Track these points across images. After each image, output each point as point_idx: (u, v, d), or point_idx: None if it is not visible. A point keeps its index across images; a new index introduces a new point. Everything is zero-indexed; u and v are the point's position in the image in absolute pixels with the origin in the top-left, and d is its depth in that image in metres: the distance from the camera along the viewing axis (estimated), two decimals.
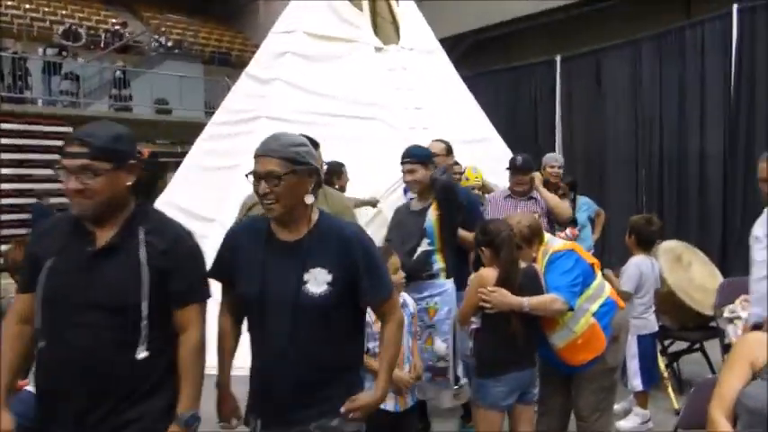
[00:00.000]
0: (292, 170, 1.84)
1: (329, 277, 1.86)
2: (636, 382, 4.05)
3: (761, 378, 2.03)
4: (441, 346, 3.22)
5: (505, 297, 2.66)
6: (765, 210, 2.99)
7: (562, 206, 4.22)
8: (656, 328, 4.16)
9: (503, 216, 3.85)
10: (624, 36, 9.12)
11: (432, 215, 3.36)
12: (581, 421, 2.99)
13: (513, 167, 4.30)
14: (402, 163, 3.45)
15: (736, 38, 7.45)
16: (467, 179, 4.85)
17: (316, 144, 2.65)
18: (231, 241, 2.03)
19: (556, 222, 4.39)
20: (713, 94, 7.75)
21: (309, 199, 1.89)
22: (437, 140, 4.46)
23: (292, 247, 1.91)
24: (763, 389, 1.99)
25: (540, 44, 11.53)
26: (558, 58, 9.68)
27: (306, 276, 1.86)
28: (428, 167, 3.42)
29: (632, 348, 4.02)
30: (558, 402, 3.06)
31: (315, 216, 1.96)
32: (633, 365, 4.05)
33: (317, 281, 1.85)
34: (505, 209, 4.17)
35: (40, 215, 12.16)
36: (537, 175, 4.31)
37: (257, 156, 1.87)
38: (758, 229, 3.02)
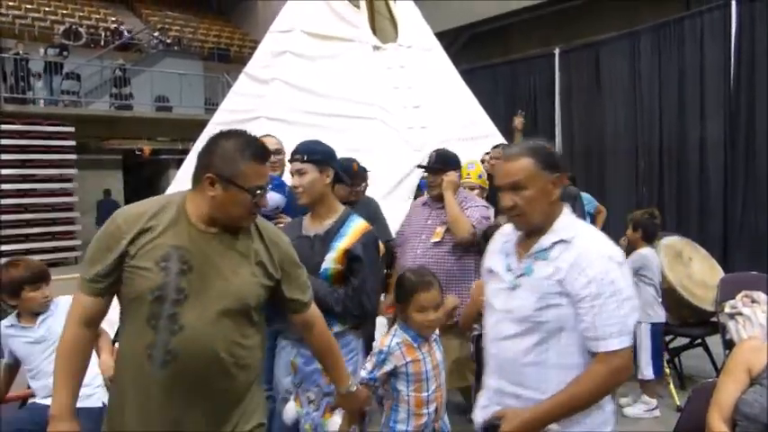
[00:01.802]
0: None
1: None
2: (648, 372, 4.12)
3: (758, 384, 2.05)
4: (335, 421, 2.29)
5: None
6: (495, 237, 2.06)
7: (459, 222, 3.27)
8: (664, 319, 4.24)
9: (414, 226, 3.53)
10: (623, 27, 9.09)
11: (331, 263, 2.44)
12: None
13: (426, 166, 3.57)
14: (290, 161, 2.60)
15: (735, 28, 7.43)
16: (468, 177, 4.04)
17: (264, 151, 1.81)
18: None
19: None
20: (713, 84, 7.73)
21: None
22: (267, 135, 3.55)
23: None
24: (759, 395, 2.02)
25: (538, 36, 11.50)
26: (557, 51, 9.65)
27: None
28: (325, 171, 2.48)
29: (645, 337, 4.10)
30: None
31: None
32: (646, 355, 4.15)
33: None
34: (417, 218, 3.55)
35: (107, 211, 12.33)
36: (448, 177, 3.40)
37: None
38: (489, 261, 2.03)
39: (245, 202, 1.74)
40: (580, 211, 3.81)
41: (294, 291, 1.91)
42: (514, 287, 1.85)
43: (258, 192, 1.76)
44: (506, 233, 1.98)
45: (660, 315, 4.20)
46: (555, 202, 1.83)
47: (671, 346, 4.82)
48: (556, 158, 1.85)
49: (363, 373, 2.35)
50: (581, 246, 1.77)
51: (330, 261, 2.42)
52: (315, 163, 2.47)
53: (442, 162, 3.45)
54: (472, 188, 3.93)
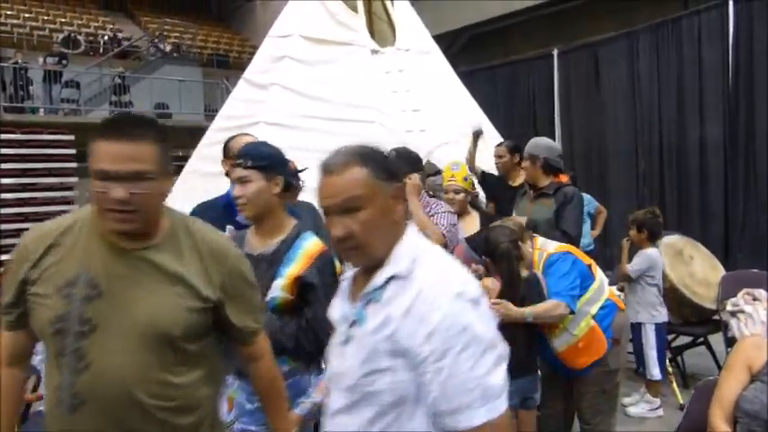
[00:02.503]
0: None
1: None
2: (656, 372, 4.15)
3: (759, 381, 2.05)
4: None
5: (509, 310, 2.68)
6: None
7: (428, 230, 2.90)
8: (666, 319, 4.26)
9: None
10: (620, 27, 9.10)
11: (279, 292, 2.04)
12: (584, 424, 3.01)
13: None
14: (233, 165, 2.20)
15: (732, 27, 7.44)
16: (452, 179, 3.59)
17: (121, 126, 1.55)
18: None
19: None
20: (711, 83, 7.73)
21: None
22: (244, 134, 3.19)
23: None
24: (760, 392, 2.02)
25: (538, 37, 11.50)
26: (556, 52, 9.66)
27: None
28: (273, 179, 2.10)
29: (651, 337, 4.16)
30: (560, 406, 3.08)
31: None
32: (653, 354, 4.18)
33: None
34: None
35: None
36: (411, 180, 3.00)
37: None
38: (331, 306, 1.52)
39: (95, 194, 1.38)
40: (577, 214, 3.64)
41: (241, 316, 1.57)
42: (347, 341, 1.35)
43: (101, 177, 1.36)
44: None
45: (663, 315, 4.21)
46: (399, 221, 1.35)
47: (673, 344, 4.81)
48: (391, 163, 1.41)
49: (307, 402, 2.05)
50: (420, 283, 1.26)
51: (278, 289, 2.03)
52: (261, 170, 2.07)
53: (403, 163, 2.95)
54: (457, 192, 3.48)
